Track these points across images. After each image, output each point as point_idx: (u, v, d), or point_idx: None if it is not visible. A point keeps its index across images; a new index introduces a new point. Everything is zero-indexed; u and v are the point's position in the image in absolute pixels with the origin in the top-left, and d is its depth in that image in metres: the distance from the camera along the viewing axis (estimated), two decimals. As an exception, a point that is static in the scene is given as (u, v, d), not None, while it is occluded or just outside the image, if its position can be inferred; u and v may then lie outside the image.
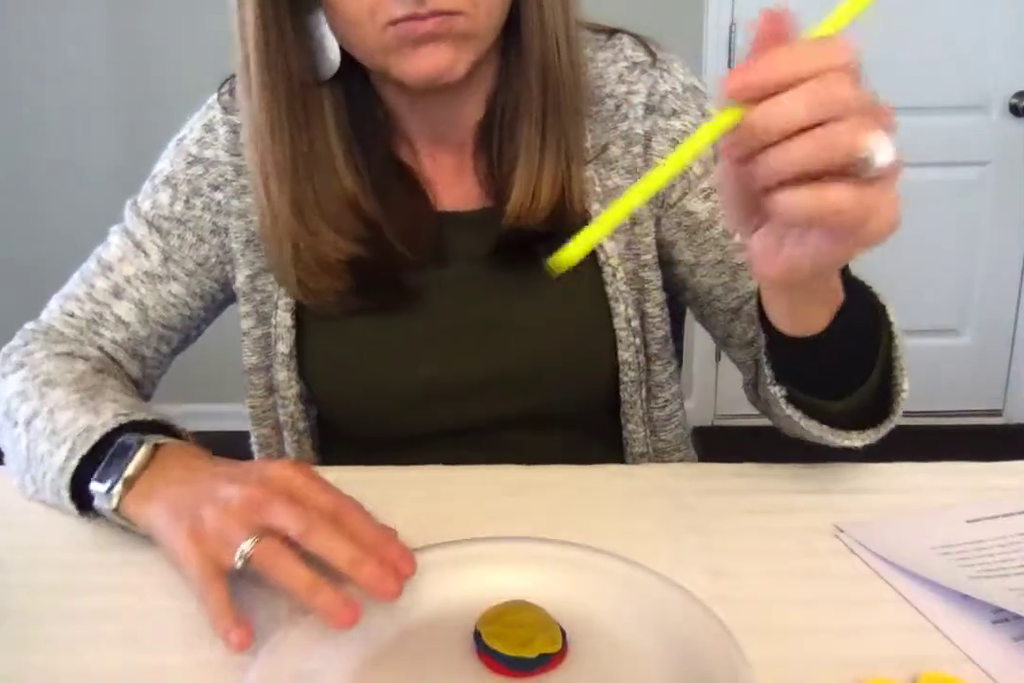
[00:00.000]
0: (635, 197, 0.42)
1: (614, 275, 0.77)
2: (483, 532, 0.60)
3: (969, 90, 2.39)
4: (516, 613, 0.52)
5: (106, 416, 0.65)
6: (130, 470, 0.60)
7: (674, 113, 0.78)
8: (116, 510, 0.60)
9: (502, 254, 0.76)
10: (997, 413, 2.71)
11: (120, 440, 0.62)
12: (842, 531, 0.63)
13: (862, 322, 0.62)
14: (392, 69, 0.67)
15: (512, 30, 0.71)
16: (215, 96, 0.82)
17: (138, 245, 0.80)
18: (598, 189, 0.78)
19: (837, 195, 0.40)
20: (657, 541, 0.62)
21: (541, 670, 0.49)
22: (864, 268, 0.60)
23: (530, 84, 0.72)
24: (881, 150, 0.40)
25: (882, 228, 0.42)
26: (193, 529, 0.54)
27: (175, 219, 0.80)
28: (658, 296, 0.80)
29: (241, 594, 0.54)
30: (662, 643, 0.51)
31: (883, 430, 0.66)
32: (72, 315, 0.80)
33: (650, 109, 0.78)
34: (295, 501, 0.52)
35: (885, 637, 0.53)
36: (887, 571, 0.58)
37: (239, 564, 0.51)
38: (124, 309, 0.80)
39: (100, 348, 0.80)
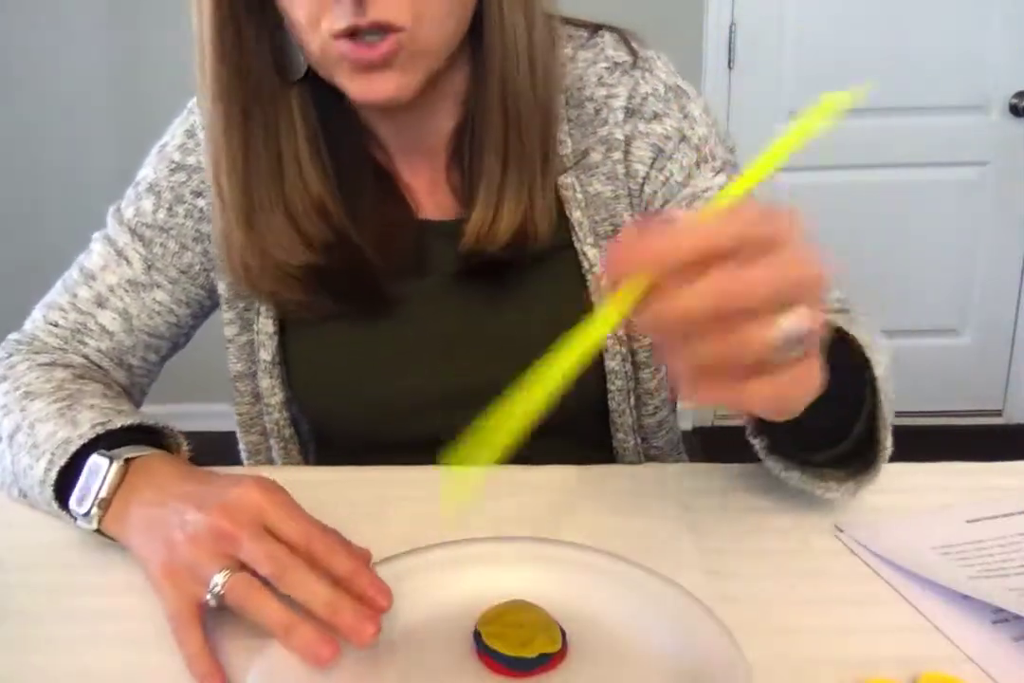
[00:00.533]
0: (543, 388, 0.41)
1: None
2: (483, 532, 0.60)
3: (969, 90, 2.39)
4: (516, 613, 0.52)
5: (83, 427, 0.64)
6: (104, 492, 0.59)
7: (655, 116, 0.75)
8: (99, 531, 0.60)
9: (468, 272, 0.75)
10: (997, 413, 2.71)
11: (91, 459, 0.61)
12: (842, 531, 0.63)
13: (844, 386, 0.55)
14: (338, 81, 0.65)
15: (478, 33, 0.68)
16: (194, 100, 0.80)
17: (120, 253, 0.79)
18: (579, 196, 0.76)
19: (742, 393, 0.38)
20: (657, 541, 0.62)
21: (541, 670, 0.49)
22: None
23: (492, 90, 0.70)
24: (792, 338, 0.36)
25: (798, 402, 0.40)
26: (166, 559, 0.53)
27: (158, 227, 0.79)
28: None
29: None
30: (662, 643, 0.51)
31: (864, 483, 0.62)
32: (56, 325, 0.79)
33: (630, 112, 0.75)
34: (263, 534, 0.51)
35: (885, 637, 0.53)
36: (887, 571, 0.58)
37: (212, 603, 0.51)
38: (108, 318, 0.79)
39: (85, 357, 0.79)
